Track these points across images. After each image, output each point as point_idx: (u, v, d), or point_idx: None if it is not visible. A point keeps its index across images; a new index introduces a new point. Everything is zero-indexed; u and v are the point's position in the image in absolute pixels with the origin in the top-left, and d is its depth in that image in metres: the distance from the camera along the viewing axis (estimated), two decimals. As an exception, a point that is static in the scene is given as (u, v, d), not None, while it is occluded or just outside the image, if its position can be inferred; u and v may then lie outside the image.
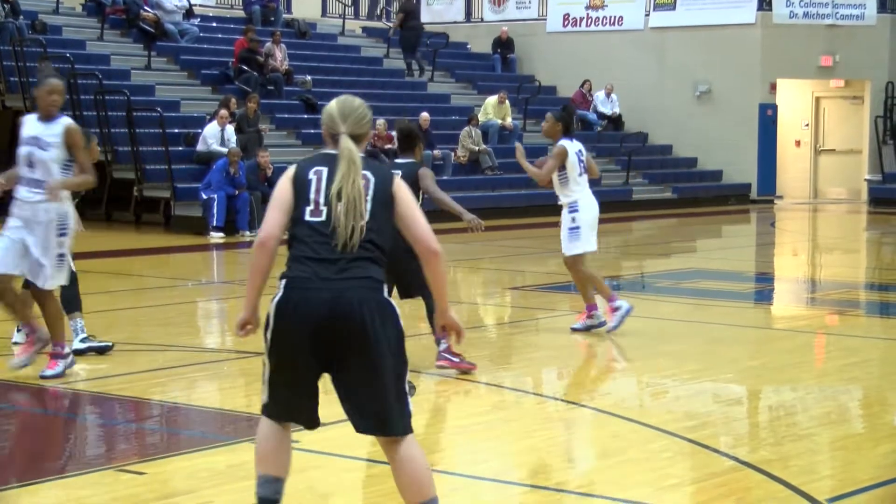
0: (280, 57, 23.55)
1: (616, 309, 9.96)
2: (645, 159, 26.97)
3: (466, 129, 23.74)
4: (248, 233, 18.61)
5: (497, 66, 28.93)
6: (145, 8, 23.31)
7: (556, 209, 10.38)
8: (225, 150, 19.31)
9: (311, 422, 4.77)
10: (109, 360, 8.87)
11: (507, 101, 25.40)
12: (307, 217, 4.56)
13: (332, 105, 4.70)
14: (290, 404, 4.67)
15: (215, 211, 18.48)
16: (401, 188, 4.67)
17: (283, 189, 4.62)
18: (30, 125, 7.89)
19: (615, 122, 27.82)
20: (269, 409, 4.70)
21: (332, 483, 5.88)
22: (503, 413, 7.52)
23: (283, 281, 4.57)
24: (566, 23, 29.25)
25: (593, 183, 10.38)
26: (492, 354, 9.66)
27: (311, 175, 4.60)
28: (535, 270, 15.20)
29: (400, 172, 8.57)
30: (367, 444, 6.61)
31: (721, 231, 23.34)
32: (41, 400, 7.87)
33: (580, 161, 9.96)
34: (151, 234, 18.91)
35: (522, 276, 14.39)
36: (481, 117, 24.73)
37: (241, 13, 26.59)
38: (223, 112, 19.90)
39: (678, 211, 25.06)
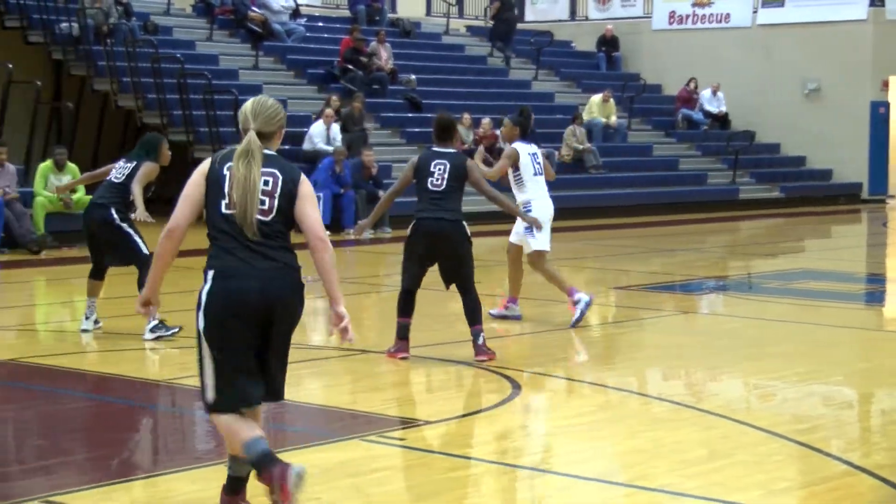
0: (385, 56, 23.67)
1: (577, 303, 10.17)
2: (752, 158, 26.59)
3: (570, 127, 23.63)
4: (352, 231, 18.71)
5: (602, 65, 28.75)
6: (253, 8, 23.60)
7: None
8: (330, 148, 19.48)
9: (265, 396, 5.01)
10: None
11: (611, 100, 25.22)
12: (223, 210, 4.89)
13: (248, 104, 5.03)
14: (240, 388, 4.89)
15: (321, 209, 18.65)
16: (304, 185, 4.99)
17: (195, 184, 4.96)
18: None
19: (721, 120, 27.48)
20: (220, 404, 4.92)
21: (434, 482, 5.88)
22: (608, 413, 7.45)
23: (211, 272, 4.88)
24: (672, 20, 28.95)
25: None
26: (596, 354, 9.61)
27: (225, 171, 4.91)
28: (640, 270, 15.07)
29: (447, 163, 8.66)
30: (471, 443, 6.60)
31: (830, 231, 22.91)
32: (153, 395, 8.01)
33: (535, 162, 10.30)
34: (258, 232, 19.07)
35: (626, 275, 14.27)
36: (585, 116, 24.60)
37: (346, 13, 26.77)
38: (329, 111, 20.07)
39: (786, 210, 24.67)
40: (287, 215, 4.95)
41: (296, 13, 24.76)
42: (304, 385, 8.33)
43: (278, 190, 4.92)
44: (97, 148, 22.11)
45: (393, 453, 6.32)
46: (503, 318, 10.46)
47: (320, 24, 26.13)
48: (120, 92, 20.78)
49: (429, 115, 23.34)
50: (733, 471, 6.00)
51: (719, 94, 27.43)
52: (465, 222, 8.69)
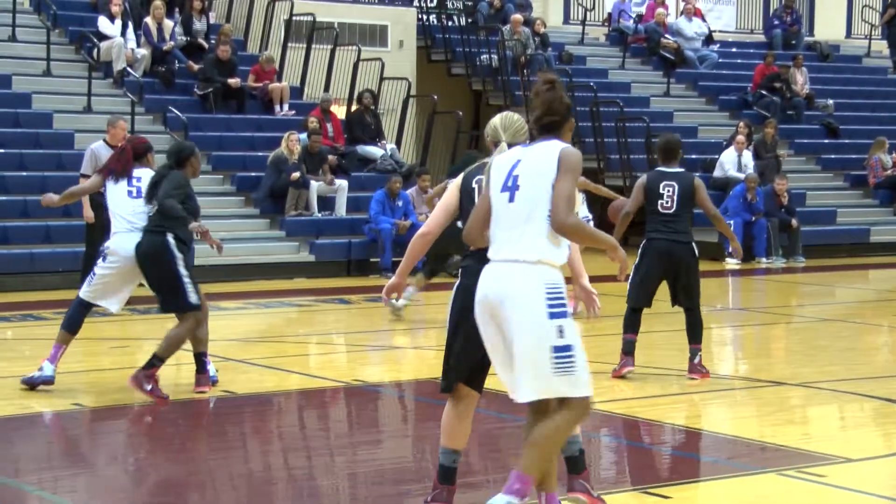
0: (801, 81, 23.06)
1: None
2: None
3: None
4: (764, 259, 18.34)
5: None
6: (666, 36, 23.64)
7: None
8: (742, 175, 19.17)
9: (479, 387, 5.49)
10: (626, 383, 9.01)
11: None
12: None
13: (496, 119, 5.59)
14: (463, 371, 5.43)
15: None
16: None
17: (451, 195, 5.61)
18: None
19: None
20: (447, 383, 5.47)
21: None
22: None
23: (460, 270, 5.48)
24: None
25: None
26: None
27: (474, 184, 5.50)
28: None
29: (676, 184, 8.81)
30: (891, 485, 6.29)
31: None
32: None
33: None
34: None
35: None
36: None
37: (761, 38, 26.29)
38: (741, 138, 19.77)
39: None
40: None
41: (709, 39, 24.58)
42: (712, 414, 8.25)
43: None
44: (512, 175, 22.79)
45: (814, 490, 6.12)
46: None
47: (734, 49, 25.79)
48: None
49: (846, 141, 22.54)
50: None
51: None
52: (694, 243, 8.85)
